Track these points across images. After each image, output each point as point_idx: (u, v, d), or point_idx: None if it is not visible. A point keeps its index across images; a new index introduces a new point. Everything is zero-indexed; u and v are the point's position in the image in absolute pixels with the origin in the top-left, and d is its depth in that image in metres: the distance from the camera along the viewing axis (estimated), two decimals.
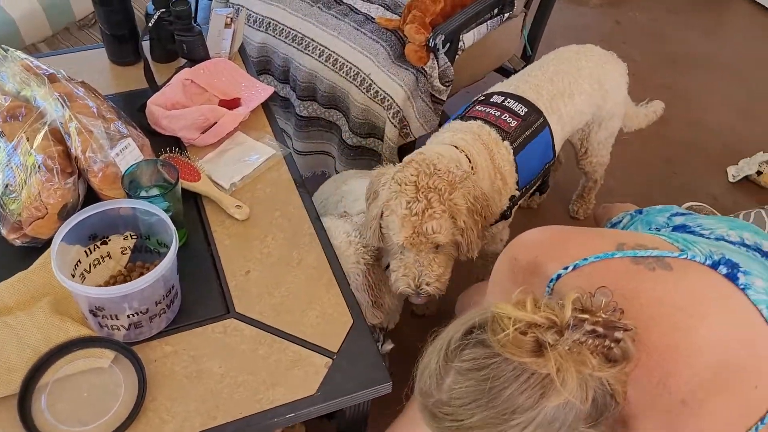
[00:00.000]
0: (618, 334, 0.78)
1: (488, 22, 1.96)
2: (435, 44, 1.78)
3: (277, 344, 1.15)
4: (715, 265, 0.93)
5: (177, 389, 1.08)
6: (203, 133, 1.43)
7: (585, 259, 0.95)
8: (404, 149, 1.94)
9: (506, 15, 2.01)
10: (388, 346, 1.41)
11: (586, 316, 0.77)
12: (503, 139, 1.51)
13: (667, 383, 0.84)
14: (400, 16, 1.90)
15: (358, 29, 1.91)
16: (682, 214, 1.19)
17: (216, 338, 1.15)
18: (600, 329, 0.77)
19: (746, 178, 2.42)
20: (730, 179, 2.43)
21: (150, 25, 1.54)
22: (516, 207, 1.59)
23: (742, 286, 0.90)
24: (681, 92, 2.83)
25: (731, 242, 1.00)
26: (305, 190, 1.41)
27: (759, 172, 2.39)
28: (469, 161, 1.44)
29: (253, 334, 1.16)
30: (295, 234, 1.32)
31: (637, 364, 0.83)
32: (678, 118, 2.66)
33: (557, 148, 1.64)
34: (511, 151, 1.51)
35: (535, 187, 1.76)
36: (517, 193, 1.58)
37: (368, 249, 1.36)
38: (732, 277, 0.91)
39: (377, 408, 1.29)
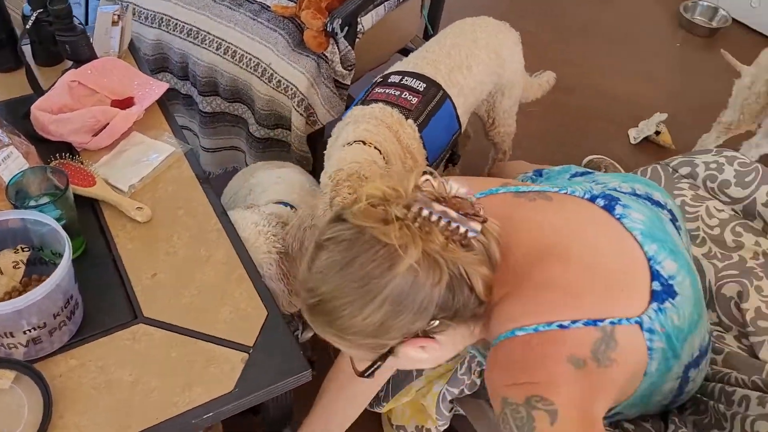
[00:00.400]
0: (473, 224, 0.82)
1: (385, 3, 1.96)
2: (333, 29, 1.76)
3: (190, 345, 1.12)
4: (593, 198, 1.00)
5: (86, 403, 1.03)
6: (95, 135, 1.37)
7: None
8: (313, 138, 1.92)
9: None
10: (308, 333, 1.40)
11: (432, 197, 0.82)
12: (406, 118, 1.51)
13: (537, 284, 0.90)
14: (296, 3, 1.87)
15: (254, 19, 1.87)
16: (581, 174, 1.22)
17: (124, 345, 1.11)
18: (452, 213, 0.81)
19: (646, 138, 2.53)
20: (632, 141, 2.53)
21: (28, 27, 1.46)
22: None
23: (618, 216, 0.96)
24: (580, 62, 2.92)
25: (623, 192, 1.04)
26: (209, 186, 1.37)
27: (657, 132, 2.50)
28: (380, 152, 1.43)
29: (164, 337, 1.12)
30: (201, 231, 1.29)
31: (505, 271, 0.89)
32: (579, 86, 2.75)
33: (463, 120, 1.66)
34: (416, 128, 1.52)
35: (445, 159, 1.78)
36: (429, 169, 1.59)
37: (279, 237, 1.34)
38: (609, 208, 0.97)
39: (302, 398, 1.28)
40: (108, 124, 1.37)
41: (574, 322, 0.85)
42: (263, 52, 1.82)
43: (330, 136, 1.57)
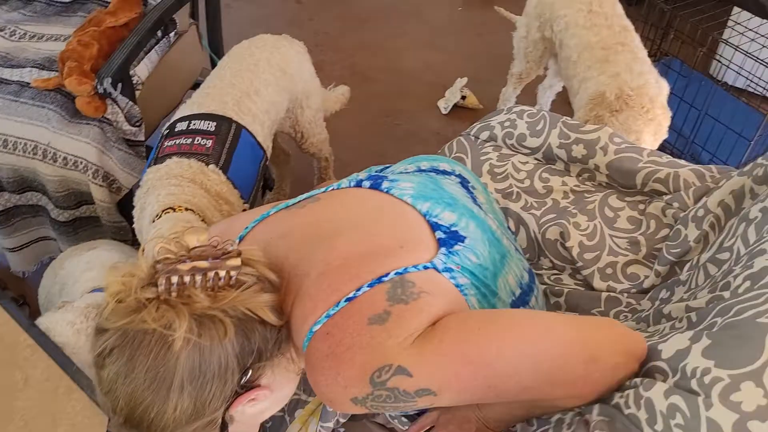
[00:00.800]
0: (231, 262, 0.78)
1: (156, 48, 1.86)
2: (105, 89, 1.65)
3: None
4: (359, 183, 1.02)
5: None
6: None
7: (246, 228, 0.98)
8: (123, 203, 1.79)
9: (173, 34, 1.93)
10: None
11: (173, 260, 0.77)
12: (207, 164, 1.44)
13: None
14: (58, 72, 1.73)
15: (16, 100, 1.71)
16: (377, 173, 1.21)
17: None
18: (202, 264, 0.77)
19: (456, 105, 2.62)
20: (443, 112, 2.61)
21: None
22: None
23: (385, 189, 0.99)
24: (376, 48, 2.97)
25: (406, 173, 1.08)
26: (7, 299, 1.23)
27: (463, 97, 2.60)
28: (194, 212, 1.35)
29: None
30: (12, 353, 1.16)
31: (288, 282, 0.87)
32: (381, 72, 2.79)
33: (266, 145, 1.61)
34: (220, 171, 1.46)
35: (260, 189, 1.73)
36: (246, 206, 1.53)
37: None
38: (376, 186, 1.00)
39: None
40: None
41: (358, 289, 0.83)
42: (37, 132, 1.67)
43: None
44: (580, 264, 1.28)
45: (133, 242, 1.75)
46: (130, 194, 1.81)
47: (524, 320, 0.87)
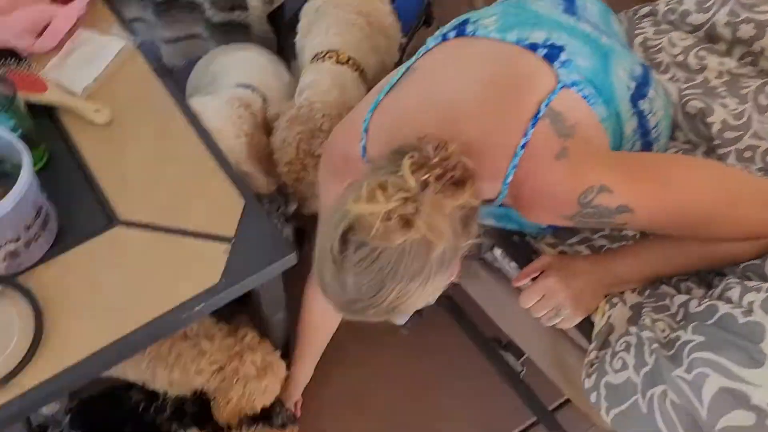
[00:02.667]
0: (452, 162, 0.83)
1: None
2: None
3: (170, 242, 1.11)
4: (444, 38, 1.03)
5: (77, 309, 1.04)
6: (39, 37, 1.29)
7: (365, 121, 1.01)
8: (273, 16, 1.82)
9: None
10: (293, 206, 1.38)
11: (426, 175, 0.80)
12: None
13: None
14: None
15: None
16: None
17: (105, 251, 1.10)
18: (438, 171, 0.81)
19: None
20: None
21: None
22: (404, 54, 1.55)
23: (470, 33, 1.00)
24: None
25: (492, 6, 1.09)
26: (168, 78, 1.31)
27: None
28: (353, 64, 1.36)
29: (144, 237, 1.12)
30: (165, 126, 1.24)
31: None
32: None
33: None
34: (387, 0, 1.45)
35: (421, 24, 1.70)
36: (404, 40, 1.53)
37: (244, 119, 1.29)
38: (461, 33, 1.01)
39: (293, 279, 1.29)
40: (50, 23, 1.29)
41: (525, 134, 0.88)
42: None
43: (290, 15, 1.49)
44: (717, 142, 1.20)
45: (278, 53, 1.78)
46: (281, 9, 1.83)
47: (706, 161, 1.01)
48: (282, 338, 1.45)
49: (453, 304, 1.58)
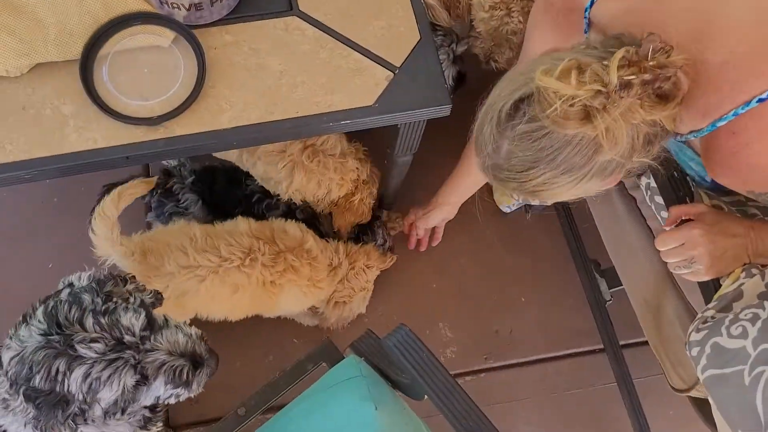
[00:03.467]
0: (668, 73, 0.75)
1: None
2: None
3: (339, 50, 1.11)
4: None
5: (236, 80, 1.07)
6: None
7: (586, 11, 0.92)
8: None
9: None
10: (463, 47, 1.34)
11: (632, 76, 0.73)
12: None
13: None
14: None
15: None
16: None
17: (277, 34, 1.10)
18: (647, 77, 0.74)
19: None
20: None
21: None
22: None
23: None
24: None
25: None
26: None
27: None
28: None
29: (316, 36, 1.11)
30: None
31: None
32: None
33: None
34: None
35: None
36: None
37: None
38: None
39: (431, 132, 1.28)
40: None
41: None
42: None
43: None
44: None
45: None
46: None
47: None
48: (397, 182, 1.47)
49: (567, 213, 1.55)
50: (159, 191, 1.44)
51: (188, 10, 1.04)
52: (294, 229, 1.33)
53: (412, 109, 1.08)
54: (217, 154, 1.47)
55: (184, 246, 1.21)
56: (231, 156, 1.44)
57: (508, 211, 1.68)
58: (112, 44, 1.04)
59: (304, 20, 1.12)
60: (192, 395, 0.90)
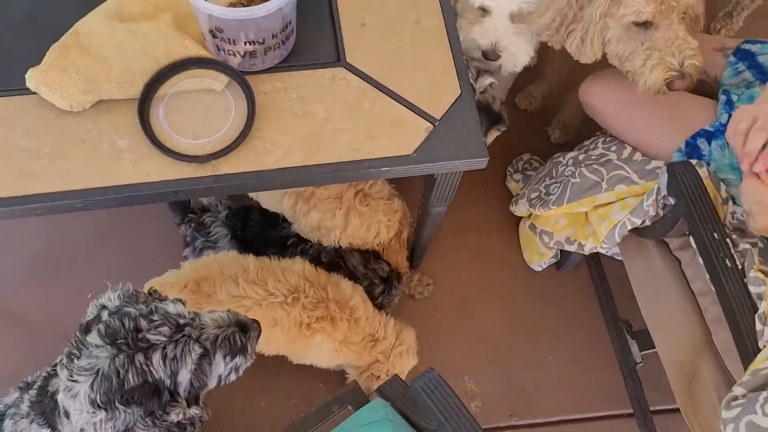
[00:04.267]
0: None
1: None
2: None
3: (382, 100, 1.15)
4: None
5: (282, 124, 1.12)
6: None
7: None
8: None
9: None
10: (486, 80, 1.37)
11: None
12: None
13: None
14: None
15: None
16: None
17: (324, 84, 1.16)
18: None
19: None
20: None
21: None
22: None
23: None
24: None
25: None
26: None
27: None
28: None
29: (360, 86, 1.16)
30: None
31: None
32: None
33: None
34: None
35: None
36: None
37: None
38: None
39: (466, 184, 1.32)
40: None
41: None
42: None
43: None
44: None
45: None
46: None
47: None
48: (430, 233, 1.49)
49: (600, 271, 1.55)
50: (193, 225, 1.50)
51: (243, 57, 1.10)
52: (347, 285, 1.37)
53: (450, 160, 1.12)
54: (267, 203, 1.51)
55: (236, 276, 1.26)
56: (283, 207, 1.48)
57: (540, 269, 1.69)
58: (169, 86, 1.11)
59: (351, 71, 1.17)
60: (248, 363, 1.00)
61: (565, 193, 1.34)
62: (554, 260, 1.65)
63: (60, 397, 0.87)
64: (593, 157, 1.34)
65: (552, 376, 1.62)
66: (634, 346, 1.42)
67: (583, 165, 1.34)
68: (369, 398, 1.16)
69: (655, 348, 1.27)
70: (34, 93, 1.08)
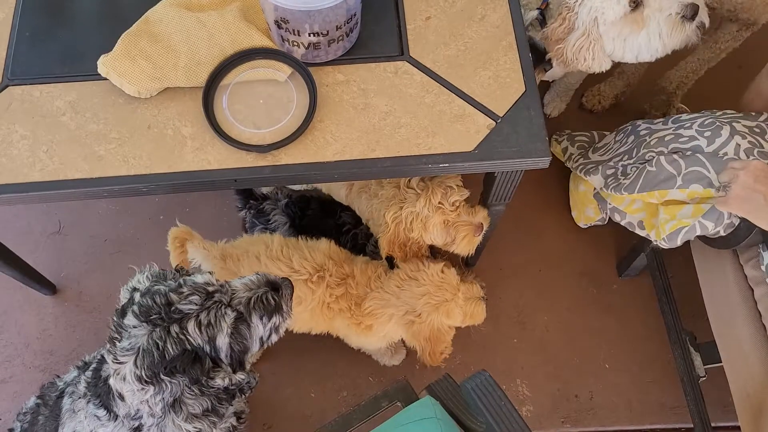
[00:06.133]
0: None
1: None
2: None
3: (444, 96, 1.14)
4: None
5: (343, 116, 1.11)
6: None
7: None
8: None
9: None
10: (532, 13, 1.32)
11: None
12: None
13: None
14: None
15: None
16: None
17: (386, 77, 1.15)
18: None
19: None
20: None
21: None
22: None
23: None
24: None
25: None
26: None
27: None
28: None
29: (423, 81, 1.15)
30: None
31: None
32: None
33: None
34: None
35: None
36: None
37: None
38: None
39: (529, 184, 1.29)
40: None
41: None
42: None
43: None
44: None
45: None
46: None
47: None
48: (487, 232, 1.46)
49: (664, 277, 1.50)
50: (253, 212, 1.51)
51: (306, 48, 1.11)
52: (375, 264, 1.36)
53: (511, 159, 1.09)
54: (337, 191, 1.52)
55: (258, 253, 1.27)
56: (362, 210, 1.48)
57: (585, 227, 1.67)
58: (234, 75, 1.12)
59: (414, 65, 1.16)
60: (287, 322, 1.00)
61: (638, 180, 1.27)
62: (600, 223, 1.64)
63: (111, 381, 0.89)
64: (681, 140, 1.25)
65: (607, 385, 1.58)
66: (697, 359, 1.36)
67: (665, 152, 1.26)
68: (419, 396, 1.15)
69: (719, 362, 1.22)
70: (105, 79, 1.11)
